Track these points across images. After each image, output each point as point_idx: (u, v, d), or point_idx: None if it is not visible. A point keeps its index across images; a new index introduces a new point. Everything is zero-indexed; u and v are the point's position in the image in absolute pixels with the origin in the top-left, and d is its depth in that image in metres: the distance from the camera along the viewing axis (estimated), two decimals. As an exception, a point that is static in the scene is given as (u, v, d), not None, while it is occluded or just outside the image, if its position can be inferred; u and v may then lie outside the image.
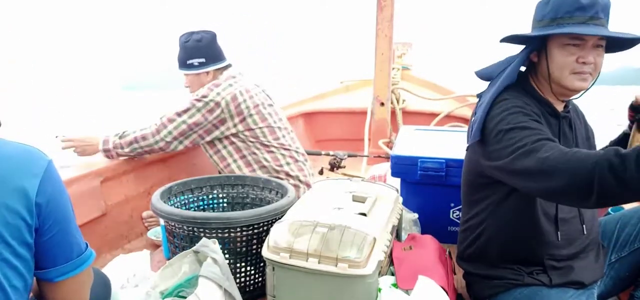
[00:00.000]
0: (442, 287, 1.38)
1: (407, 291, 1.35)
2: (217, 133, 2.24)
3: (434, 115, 3.79)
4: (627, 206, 1.78)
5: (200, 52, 2.32)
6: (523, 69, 1.47)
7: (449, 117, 3.74)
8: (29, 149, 1.02)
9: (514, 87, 1.40)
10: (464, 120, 3.65)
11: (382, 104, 3.60)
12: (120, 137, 2.26)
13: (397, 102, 3.92)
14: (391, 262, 1.52)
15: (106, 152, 2.27)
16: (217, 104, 2.18)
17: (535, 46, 1.39)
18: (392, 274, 1.46)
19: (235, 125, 2.22)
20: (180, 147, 2.26)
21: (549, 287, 1.35)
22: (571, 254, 1.39)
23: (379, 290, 1.34)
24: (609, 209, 1.85)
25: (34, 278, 1.04)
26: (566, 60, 1.32)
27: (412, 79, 4.61)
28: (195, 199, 1.97)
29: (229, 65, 2.39)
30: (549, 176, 1.14)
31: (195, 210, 1.96)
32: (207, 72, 2.34)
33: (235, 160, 2.27)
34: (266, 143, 2.26)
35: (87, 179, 2.11)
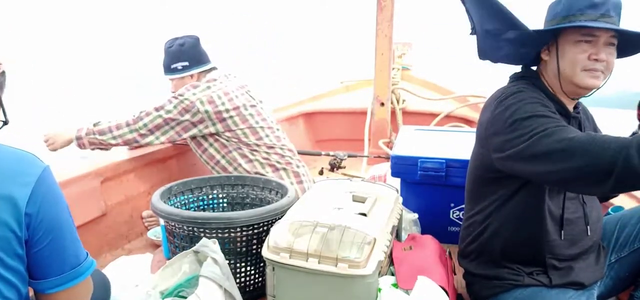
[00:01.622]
0: (442, 287, 1.38)
1: (407, 291, 1.35)
2: (195, 131, 2.24)
3: (434, 115, 3.79)
4: (627, 206, 1.78)
5: (184, 56, 2.35)
6: (534, 68, 1.47)
7: (449, 117, 3.73)
8: (23, 156, 0.98)
9: (526, 83, 1.39)
10: (464, 120, 3.65)
11: (382, 104, 3.59)
12: (94, 125, 2.27)
13: (397, 102, 3.92)
14: (391, 262, 1.52)
15: (79, 139, 2.27)
16: (192, 104, 2.19)
17: (546, 44, 1.37)
18: (392, 274, 1.46)
19: (214, 125, 2.23)
20: (156, 142, 2.26)
21: (549, 287, 1.35)
22: (573, 254, 1.39)
23: (379, 290, 1.34)
24: (609, 209, 1.85)
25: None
26: (578, 57, 1.31)
27: (412, 79, 4.60)
28: (195, 199, 1.97)
29: (213, 68, 2.41)
30: (570, 156, 1.13)
31: (195, 210, 1.96)
32: (192, 75, 2.36)
33: (223, 156, 2.28)
34: (248, 143, 2.27)
35: (87, 179, 2.11)
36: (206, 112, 2.20)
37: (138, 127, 2.22)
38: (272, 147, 2.31)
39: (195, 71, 2.36)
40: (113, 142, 2.25)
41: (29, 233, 0.94)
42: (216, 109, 2.21)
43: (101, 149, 2.29)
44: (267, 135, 2.32)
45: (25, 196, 0.92)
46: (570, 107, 1.42)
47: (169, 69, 2.38)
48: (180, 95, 2.22)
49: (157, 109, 2.23)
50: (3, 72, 1.10)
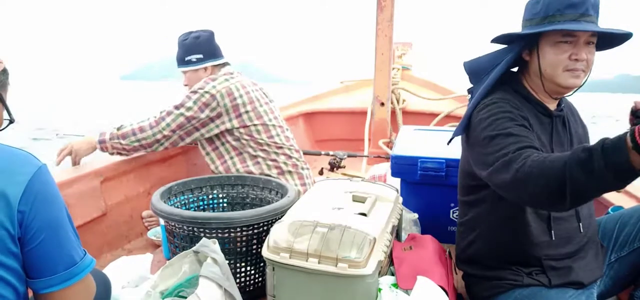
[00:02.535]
0: (441, 287, 1.38)
1: (407, 291, 1.35)
2: (212, 126, 2.24)
3: (434, 115, 3.80)
4: (627, 205, 1.78)
5: (198, 48, 2.35)
6: (515, 69, 1.47)
7: (449, 117, 3.74)
8: (17, 154, 0.97)
9: (503, 88, 1.40)
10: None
11: (382, 104, 3.60)
12: (118, 129, 2.27)
13: (397, 102, 3.93)
14: (391, 262, 1.52)
15: (102, 143, 2.26)
16: (213, 97, 2.20)
17: (527, 45, 1.38)
18: (392, 274, 1.46)
19: (230, 120, 2.23)
20: (181, 143, 2.27)
21: (549, 287, 1.35)
22: (569, 252, 1.39)
23: (379, 290, 1.34)
24: (609, 209, 1.85)
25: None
26: (559, 58, 1.32)
27: (412, 79, 4.61)
28: (195, 199, 1.97)
29: (226, 63, 2.42)
30: (524, 184, 1.16)
31: (195, 210, 1.96)
32: (205, 68, 2.37)
33: (232, 157, 2.28)
34: (260, 141, 2.27)
35: (87, 179, 2.11)
36: (224, 105, 2.21)
37: (161, 128, 2.22)
38: (281, 147, 2.32)
39: (209, 64, 2.36)
40: (136, 144, 2.24)
41: (21, 231, 0.93)
42: (234, 102, 2.22)
43: (122, 154, 2.30)
44: (277, 135, 2.33)
45: (18, 194, 0.92)
46: (553, 106, 1.42)
47: (183, 62, 2.38)
48: (200, 89, 2.22)
49: (177, 107, 2.22)
50: (4, 70, 1.08)
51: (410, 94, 4.09)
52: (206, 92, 2.20)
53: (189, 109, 2.20)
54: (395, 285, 1.39)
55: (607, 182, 1.04)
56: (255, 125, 2.26)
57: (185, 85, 2.40)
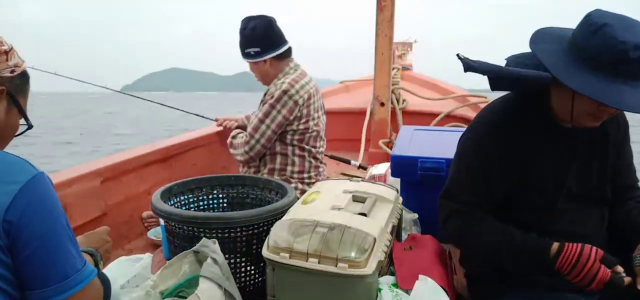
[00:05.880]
0: (442, 287, 1.38)
1: (407, 291, 1.35)
2: (284, 124, 2.30)
3: (434, 115, 3.80)
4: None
5: (255, 41, 2.34)
6: None
7: (449, 117, 3.74)
8: (12, 161, 0.94)
9: (527, 99, 1.36)
10: (464, 120, 3.65)
11: (382, 104, 3.60)
12: (233, 137, 2.42)
13: (397, 102, 3.93)
14: (391, 262, 1.52)
15: (230, 145, 2.43)
16: (296, 103, 2.25)
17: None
18: (392, 274, 1.46)
19: (298, 124, 2.28)
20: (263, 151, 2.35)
21: (552, 289, 1.34)
22: None
23: (379, 290, 1.34)
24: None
25: None
26: (590, 106, 1.24)
27: (412, 79, 4.62)
28: (195, 199, 1.97)
29: (288, 49, 2.39)
30: (461, 243, 1.50)
31: (195, 210, 1.96)
32: (265, 61, 2.35)
33: (274, 155, 2.35)
34: (304, 146, 2.31)
35: (87, 179, 2.11)
36: (300, 111, 2.26)
37: (252, 145, 2.29)
38: (316, 158, 2.37)
39: (267, 57, 2.35)
40: (241, 158, 2.36)
41: (9, 241, 0.90)
42: (308, 108, 2.28)
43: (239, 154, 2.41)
44: (321, 146, 2.39)
45: (5, 203, 0.89)
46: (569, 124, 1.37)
47: (243, 53, 2.39)
48: (284, 92, 2.24)
49: (262, 121, 2.27)
50: (23, 74, 1.05)
51: (410, 94, 4.09)
52: (289, 98, 2.23)
53: (274, 118, 2.25)
54: (395, 285, 1.39)
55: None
56: (311, 133, 2.31)
57: (250, 71, 2.43)
